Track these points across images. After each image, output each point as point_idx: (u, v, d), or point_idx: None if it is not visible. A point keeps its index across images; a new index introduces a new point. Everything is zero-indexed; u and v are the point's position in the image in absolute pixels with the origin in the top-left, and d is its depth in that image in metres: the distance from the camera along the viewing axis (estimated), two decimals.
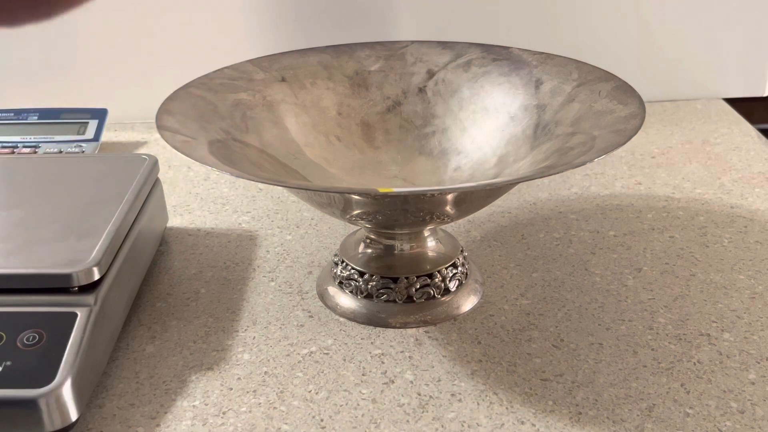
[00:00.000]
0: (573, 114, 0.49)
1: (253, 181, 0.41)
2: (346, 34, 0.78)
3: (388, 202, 0.44)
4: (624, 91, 0.48)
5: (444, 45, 0.57)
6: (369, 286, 0.50)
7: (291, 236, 0.61)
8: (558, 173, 0.41)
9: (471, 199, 0.45)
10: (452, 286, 0.51)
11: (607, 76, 0.50)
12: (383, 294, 0.50)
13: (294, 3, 0.80)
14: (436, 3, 0.79)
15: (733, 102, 0.85)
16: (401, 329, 0.49)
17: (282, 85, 0.54)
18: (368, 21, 0.80)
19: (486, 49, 0.56)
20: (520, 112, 0.52)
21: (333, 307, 0.51)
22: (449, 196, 0.44)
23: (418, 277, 0.50)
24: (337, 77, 0.56)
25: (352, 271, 0.51)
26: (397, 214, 0.45)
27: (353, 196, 0.44)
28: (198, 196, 0.68)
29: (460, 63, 0.55)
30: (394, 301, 0.50)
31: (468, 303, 0.51)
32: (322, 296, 0.52)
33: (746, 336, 0.47)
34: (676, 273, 0.54)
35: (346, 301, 0.51)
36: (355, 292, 0.51)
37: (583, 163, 0.41)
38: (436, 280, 0.50)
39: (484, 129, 0.53)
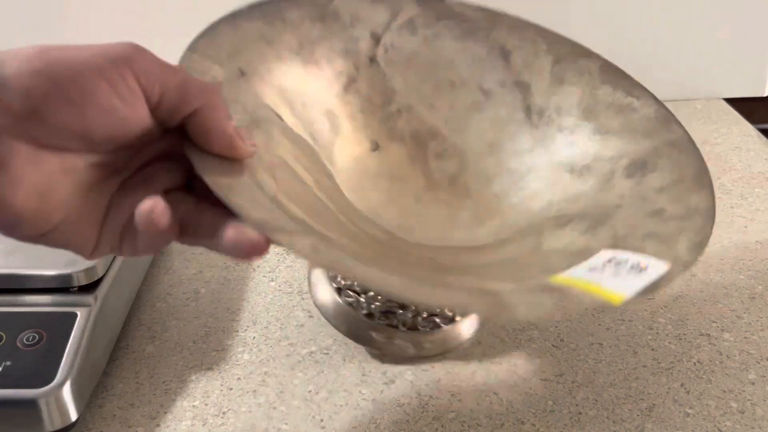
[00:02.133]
0: (575, 101, 0.45)
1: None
2: None
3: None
4: (616, 73, 0.46)
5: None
6: (372, 306, 0.46)
7: None
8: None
9: None
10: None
11: (588, 53, 0.47)
12: (385, 319, 0.46)
13: None
14: None
15: (733, 102, 0.85)
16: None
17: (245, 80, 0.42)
18: None
19: (420, 2, 0.47)
20: (497, 88, 0.46)
21: (329, 318, 0.47)
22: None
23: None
24: (285, 54, 0.44)
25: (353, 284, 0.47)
26: None
27: None
28: None
29: (402, 24, 0.46)
30: (396, 327, 0.45)
31: (470, 330, 0.47)
32: (320, 306, 0.47)
33: (746, 336, 0.47)
34: None
35: (342, 311, 0.46)
36: (356, 306, 0.46)
37: None
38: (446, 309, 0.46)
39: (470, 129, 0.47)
